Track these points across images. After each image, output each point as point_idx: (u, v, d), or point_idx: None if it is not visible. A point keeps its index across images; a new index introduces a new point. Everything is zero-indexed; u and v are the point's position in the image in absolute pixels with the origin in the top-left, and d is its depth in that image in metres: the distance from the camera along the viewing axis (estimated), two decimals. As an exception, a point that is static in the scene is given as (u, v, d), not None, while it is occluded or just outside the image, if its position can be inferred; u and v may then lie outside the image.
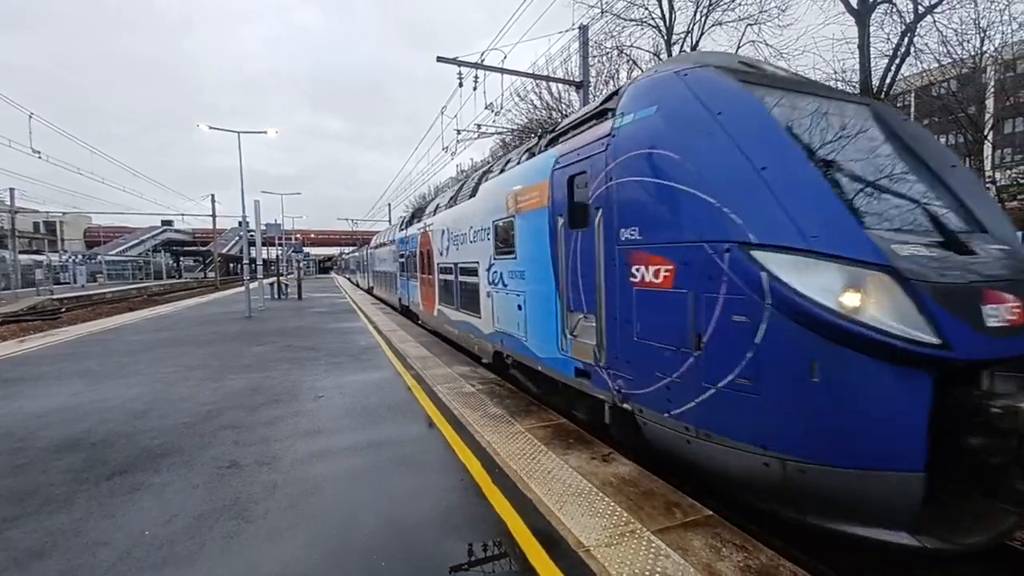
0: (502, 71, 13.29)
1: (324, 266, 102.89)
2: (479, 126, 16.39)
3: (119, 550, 3.19)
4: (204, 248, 72.90)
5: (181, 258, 75.55)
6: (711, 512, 3.52)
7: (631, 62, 20.83)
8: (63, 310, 26.36)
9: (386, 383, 7.49)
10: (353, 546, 3.20)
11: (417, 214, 15.69)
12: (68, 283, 48.87)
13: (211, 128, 20.47)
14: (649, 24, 19.91)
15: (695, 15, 19.08)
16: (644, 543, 3.14)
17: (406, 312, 17.22)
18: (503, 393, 6.80)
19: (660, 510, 3.56)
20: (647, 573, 2.84)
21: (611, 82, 21.19)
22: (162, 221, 73.76)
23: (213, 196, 50.20)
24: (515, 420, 5.61)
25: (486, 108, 14.77)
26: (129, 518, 3.60)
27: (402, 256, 17.12)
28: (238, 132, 19.78)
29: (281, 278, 27.52)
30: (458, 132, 16.47)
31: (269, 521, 3.53)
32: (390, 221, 45.05)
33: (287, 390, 7.12)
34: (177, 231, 77.24)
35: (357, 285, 39.48)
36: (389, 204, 50.02)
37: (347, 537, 3.31)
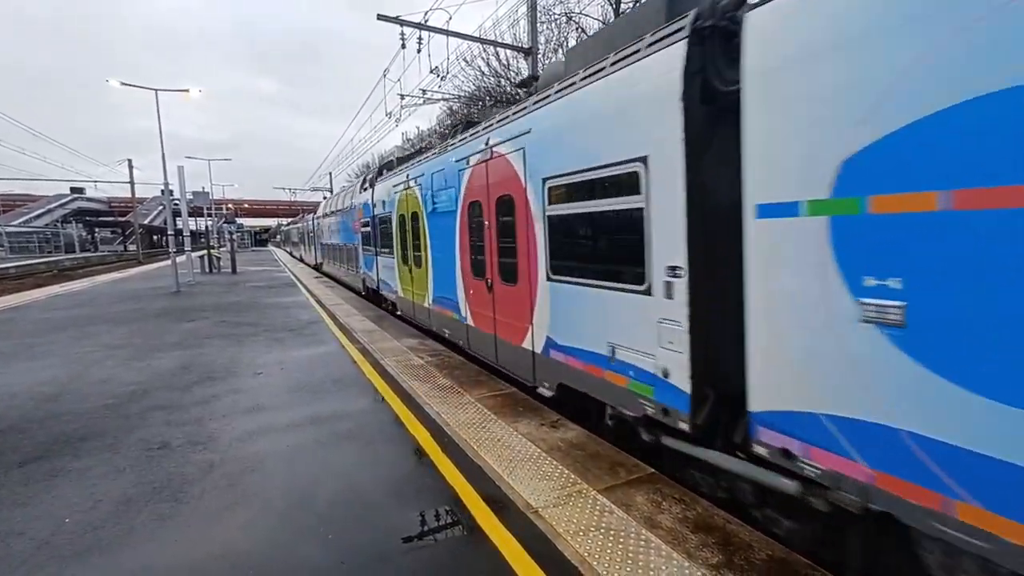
0: (447, 33, 12.76)
1: (261, 238, 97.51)
2: (424, 91, 15.80)
3: (36, 540, 2.95)
4: (123, 219, 66.77)
5: (96, 229, 68.79)
6: (653, 470, 3.71)
7: (580, 29, 20.63)
8: (-44, 287, 23.54)
9: (331, 357, 7.27)
10: (300, 522, 3.12)
11: None
12: (-40, 257, 43.61)
13: (124, 84, 18.52)
14: (597, -9, 19.70)
15: (642, -15, 19.04)
16: (590, 502, 3.27)
17: None
18: (452, 364, 6.78)
19: (605, 470, 3.71)
20: (592, 529, 2.97)
21: (560, 49, 20.91)
22: (71, 188, 66.71)
23: (130, 161, 45.91)
24: (465, 391, 5.62)
25: (431, 72, 14.20)
26: (46, 506, 3.33)
27: None
28: (156, 90, 18.00)
29: (212, 251, 25.78)
30: (402, 97, 15.80)
31: (206, 502, 3.37)
32: (331, 190, 42.77)
33: (223, 367, 6.76)
34: (90, 199, 70.07)
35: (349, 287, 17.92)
36: (330, 173, 47.69)
37: (293, 513, 3.22)
